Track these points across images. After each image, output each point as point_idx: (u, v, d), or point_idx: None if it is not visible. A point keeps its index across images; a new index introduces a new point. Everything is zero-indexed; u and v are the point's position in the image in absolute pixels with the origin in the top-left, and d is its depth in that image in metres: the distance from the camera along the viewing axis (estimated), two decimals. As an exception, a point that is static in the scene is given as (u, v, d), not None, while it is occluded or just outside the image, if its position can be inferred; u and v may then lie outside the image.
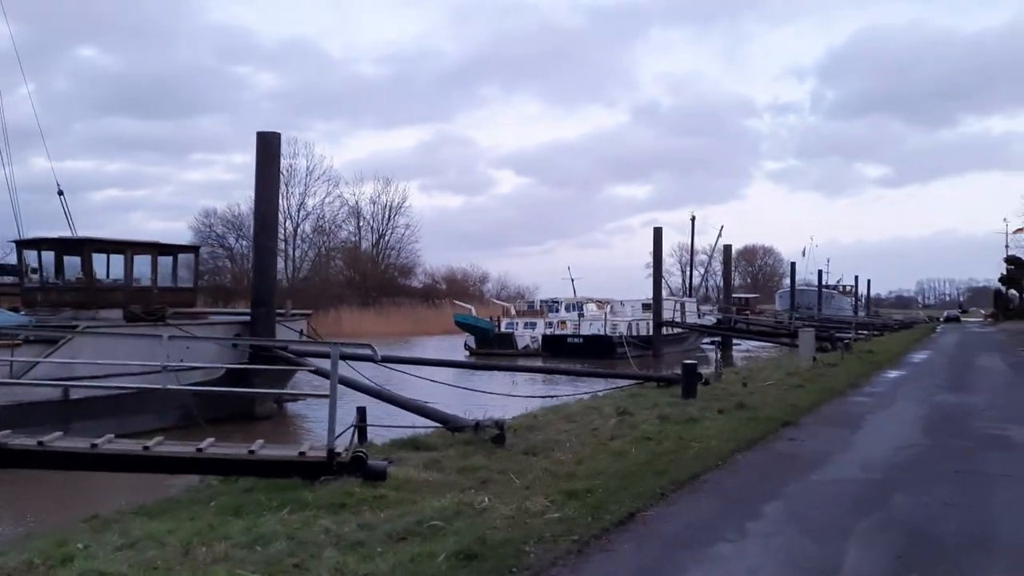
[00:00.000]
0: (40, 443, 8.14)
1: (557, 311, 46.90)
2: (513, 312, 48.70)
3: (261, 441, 8.83)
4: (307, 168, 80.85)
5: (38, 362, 14.65)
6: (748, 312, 70.77)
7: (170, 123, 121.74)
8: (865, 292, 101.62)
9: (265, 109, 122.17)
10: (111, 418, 15.17)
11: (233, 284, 70.98)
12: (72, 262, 18.90)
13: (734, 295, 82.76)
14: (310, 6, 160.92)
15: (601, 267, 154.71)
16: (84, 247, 17.81)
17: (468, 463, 9.46)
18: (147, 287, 18.42)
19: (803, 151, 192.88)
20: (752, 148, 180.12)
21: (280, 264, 78.61)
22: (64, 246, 18.18)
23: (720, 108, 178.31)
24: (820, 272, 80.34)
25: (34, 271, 18.62)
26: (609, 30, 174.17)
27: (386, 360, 20.16)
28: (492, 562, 5.76)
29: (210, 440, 8.63)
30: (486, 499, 7.51)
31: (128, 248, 18.01)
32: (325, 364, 17.51)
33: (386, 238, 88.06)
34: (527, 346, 43.69)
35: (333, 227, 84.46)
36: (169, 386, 9.40)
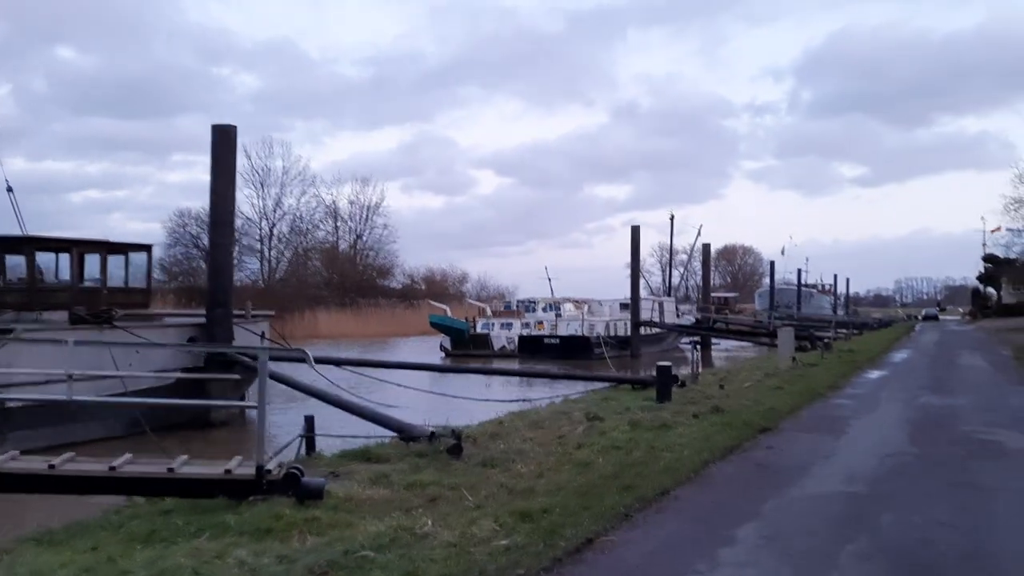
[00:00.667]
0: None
1: (534, 311, 46.12)
2: (489, 312, 47.84)
3: (184, 456, 7.98)
4: (283, 168, 79.71)
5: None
6: (727, 311, 70.31)
7: (150, 124, 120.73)
8: (844, 291, 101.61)
9: (246, 110, 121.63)
10: (50, 428, 14.25)
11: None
12: (17, 262, 17.91)
13: (714, 294, 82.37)
14: (289, 6, 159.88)
15: (582, 267, 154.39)
16: (26, 246, 16.83)
17: (418, 478, 8.65)
18: (96, 288, 17.45)
19: (781, 151, 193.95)
20: (731, 148, 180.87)
21: (255, 265, 77.53)
22: (6, 245, 17.18)
23: (698, 108, 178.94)
24: (799, 271, 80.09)
25: (-25, 271, 17.63)
26: (587, 31, 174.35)
27: (343, 363, 19.35)
28: (419, 605, 4.97)
29: (127, 456, 7.76)
30: (429, 522, 6.72)
31: (74, 246, 17.04)
32: (287, 369, 16.74)
33: (364, 238, 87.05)
34: (503, 347, 42.87)
35: (310, 227, 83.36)
36: (75, 398, 8.46)
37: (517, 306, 48.22)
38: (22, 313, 16.44)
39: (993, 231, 77.79)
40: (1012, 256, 63.04)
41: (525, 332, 42.87)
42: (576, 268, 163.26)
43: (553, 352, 39.86)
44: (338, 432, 15.01)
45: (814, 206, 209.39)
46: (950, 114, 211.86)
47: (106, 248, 17.65)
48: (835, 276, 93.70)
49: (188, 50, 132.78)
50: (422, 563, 5.59)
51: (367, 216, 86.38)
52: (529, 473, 9.01)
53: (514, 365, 33.68)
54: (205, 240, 74.84)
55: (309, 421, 10.89)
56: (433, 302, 56.10)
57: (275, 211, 79.28)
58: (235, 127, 17.69)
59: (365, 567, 5.55)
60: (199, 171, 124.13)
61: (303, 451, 10.73)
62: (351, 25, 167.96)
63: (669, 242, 73.07)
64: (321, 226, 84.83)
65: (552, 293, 51.01)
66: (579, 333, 41.29)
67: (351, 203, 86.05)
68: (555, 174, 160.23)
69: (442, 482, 8.47)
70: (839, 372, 22.09)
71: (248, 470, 7.54)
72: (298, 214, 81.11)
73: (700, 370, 24.77)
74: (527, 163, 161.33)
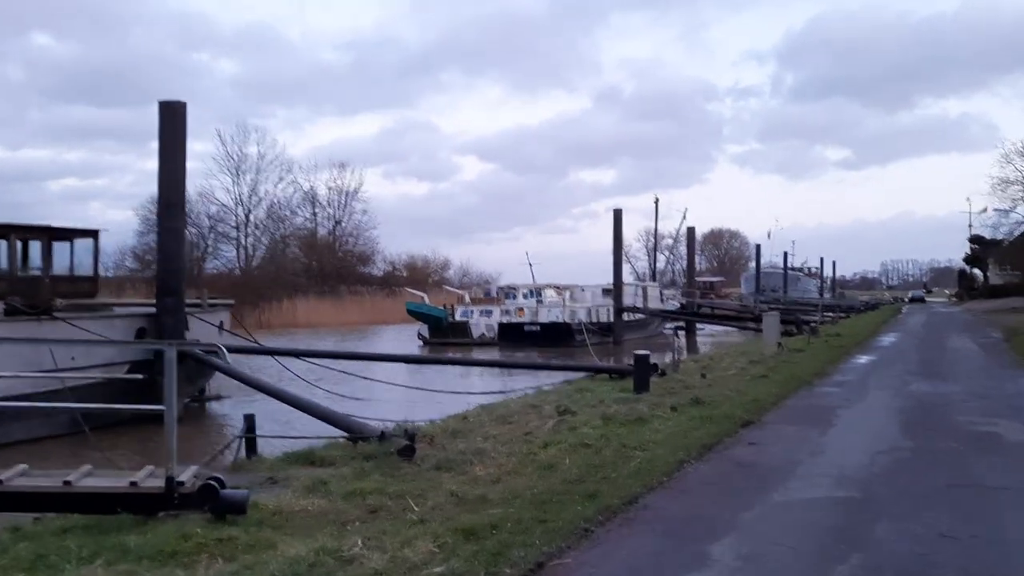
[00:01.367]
0: None
1: (514, 298, 45.17)
2: (467, 299, 46.85)
3: (88, 467, 7.04)
4: (259, 153, 78.24)
5: None
6: (713, 296, 69.66)
7: (128, 111, 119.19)
8: (830, 274, 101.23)
9: (225, 96, 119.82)
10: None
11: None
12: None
13: (699, 279, 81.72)
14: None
15: (568, 253, 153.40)
16: (-42, 232, 15.77)
17: (361, 485, 7.75)
18: (37, 276, 16.40)
19: (765, 135, 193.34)
20: (715, 132, 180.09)
21: (231, 253, 76.21)
22: (-64, 231, 16.10)
23: (682, 93, 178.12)
24: (785, 254, 79.49)
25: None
26: (569, 15, 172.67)
27: (304, 355, 18.43)
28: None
29: (20, 467, 6.81)
30: (359, 542, 5.82)
31: (12, 232, 15.96)
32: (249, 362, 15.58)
33: (343, 224, 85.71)
34: (483, 334, 41.93)
35: (288, 214, 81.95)
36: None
37: (497, 293, 47.28)
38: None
39: (980, 212, 77.43)
40: (999, 237, 62.60)
41: (505, 319, 41.94)
42: (562, 254, 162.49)
43: (534, 339, 38.99)
44: (296, 431, 14.17)
45: (799, 190, 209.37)
46: (931, 97, 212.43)
47: (49, 234, 16.59)
48: (821, 259, 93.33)
49: (166, 36, 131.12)
50: (336, 600, 4.69)
51: (346, 202, 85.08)
52: (486, 477, 8.14)
53: (487, 355, 32.76)
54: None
55: (249, 420, 9.97)
56: (410, 289, 55.04)
57: (251, 197, 77.87)
58: (184, 103, 16.64)
59: (266, 605, 4.65)
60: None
61: (243, 453, 9.83)
62: (331, 10, 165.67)
63: (654, 226, 72.15)
64: (299, 212, 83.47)
65: (533, 279, 50.05)
66: (560, 320, 40.42)
67: (329, 189, 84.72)
68: (539, 159, 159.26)
69: (386, 490, 7.58)
70: (826, 358, 21.32)
71: (158, 482, 6.62)
72: (275, 200, 79.74)
73: (681, 358, 24.00)
74: (511, 149, 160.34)
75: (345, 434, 10.18)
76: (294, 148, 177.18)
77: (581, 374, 18.42)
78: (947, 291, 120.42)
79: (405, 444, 9.01)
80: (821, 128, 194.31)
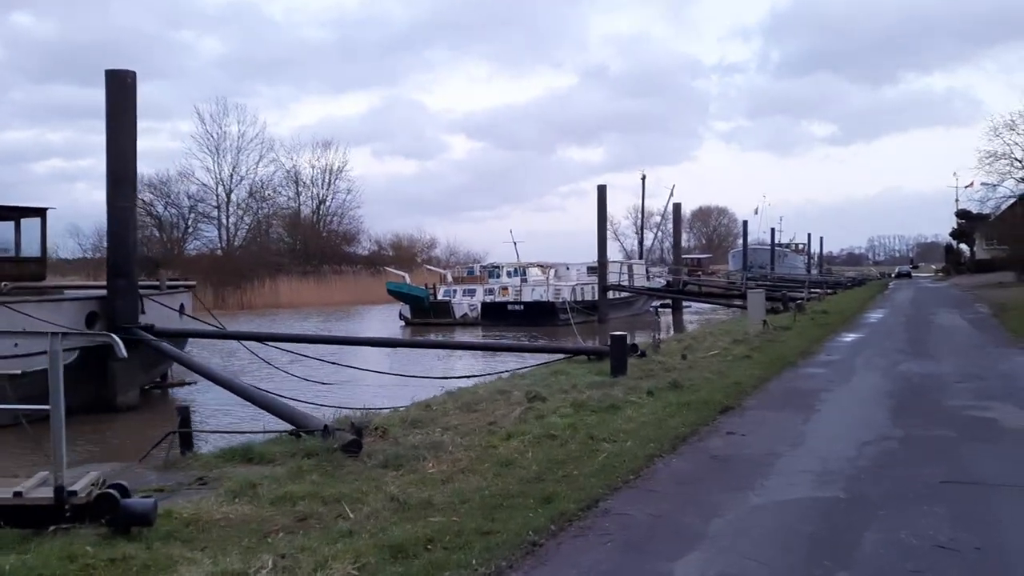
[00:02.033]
0: None
1: (498, 277, 44.33)
2: (449, 279, 45.99)
3: (-26, 475, 6.22)
4: (239, 132, 76.82)
5: None
6: (700, 273, 69.01)
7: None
8: (818, 250, 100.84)
9: (211, 75, 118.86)
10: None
11: (162, 255, 67.12)
12: None
13: (686, 256, 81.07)
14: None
15: (556, 231, 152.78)
16: None
17: (293, 488, 6.96)
18: (-23, 258, 15.51)
19: (752, 111, 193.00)
20: (702, 109, 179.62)
21: (213, 233, 75.00)
22: None
23: (668, 69, 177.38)
24: (773, 231, 78.93)
25: None
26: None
27: (266, 339, 17.58)
28: None
29: None
30: (271, 563, 5.05)
31: (-50, 212, 15.06)
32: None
33: (327, 203, 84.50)
34: (465, 314, 41.12)
35: (271, 193, 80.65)
36: None
37: (480, 272, 46.43)
38: None
39: (967, 186, 76.89)
40: (986, 211, 61.92)
41: (488, 299, 41.14)
42: (550, 232, 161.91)
43: (517, 319, 38.23)
44: (250, 422, 13.39)
45: (786, 166, 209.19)
46: (916, 71, 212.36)
47: (-9, 213, 15.67)
48: (808, 235, 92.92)
49: (148, 14, 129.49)
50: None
51: (330, 181, 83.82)
52: (437, 476, 7.37)
53: (470, 335, 32.03)
54: (159, 207, 72.48)
55: (183, 413, 9.15)
56: (390, 269, 54.13)
57: (232, 177, 76.53)
58: (133, 73, 15.63)
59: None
60: (164, 138, 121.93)
61: (176, 449, 9.02)
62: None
63: (641, 204, 71.32)
64: (282, 192, 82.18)
65: (518, 257, 49.21)
66: (544, 299, 39.65)
67: (313, 167, 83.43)
68: (527, 137, 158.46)
69: (322, 493, 6.81)
70: (812, 336, 20.63)
71: (47, 492, 5.81)
72: (257, 180, 78.42)
73: (662, 337, 23.31)
74: (498, 126, 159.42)
75: (290, 427, 9.38)
76: (280, 127, 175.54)
77: (556, 356, 17.60)
78: (933, 266, 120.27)
79: (350, 439, 8.23)
80: (807, 104, 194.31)
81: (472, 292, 42.30)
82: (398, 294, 43.77)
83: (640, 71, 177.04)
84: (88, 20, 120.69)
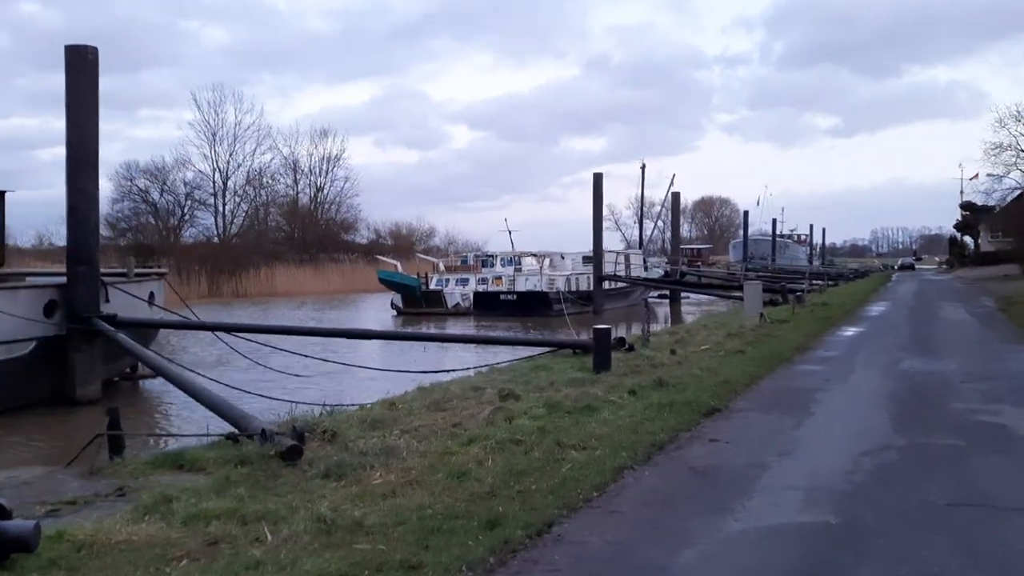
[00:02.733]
0: None
1: (492, 266, 43.47)
2: (442, 268, 45.11)
3: None
4: (236, 119, 75.87)
5: None
6: (700, 263, 68.09)
7: (116, 79, 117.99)
8: (820, 241, 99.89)
9: (215, 64, 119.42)
10: None
11: (158, 242, 66.34)
12: None
13: (687, 246, 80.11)
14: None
15: (558, 221, 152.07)
16: None
17: (213, 504, 6.14)
18: (-70, 243, 14.70)
19: (754, 102, 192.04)
20: (704, 100, 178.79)
21: (209, 220, 74.15)
22: None
23: (671, 60, 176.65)
24: (774, 221, 77.96)
25: None
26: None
27: (240, 330, 16.80)
28: None
29: None
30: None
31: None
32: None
33: (324, 191, 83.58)
34: (457, 304, 40.28)
35: (269, 180, 79.74)
36: None
37: (474, 261, 45.57)
38: None
39: (972, 178, 75.93)
40: (991, 203, 60.97)
41: (481, 288, 40.29)
42: (552, 222, 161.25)
43: (510, 309, 37.41)
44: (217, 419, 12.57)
45: (789, 157, 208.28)
46: (920, 64, 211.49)
47: (-56, 197, 14.84)
48: (811, 227, 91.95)
49: (153, 3, 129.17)
50: None
51: (328, 169, 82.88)
52: (380, 489, 6.56)
53: (461, 325, 31.21)
54: (155, 194, 71.56)
55: (112, 414, 8.34)
56: (382, 257, 53.29)
57: (228, 163, 75.61)
58: (95, 49, 14.78)
59: None
60: (168, 127, 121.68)
61: (105, 453, 8.22)
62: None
63: (640, 193, 70.29)
64: (279, 179, 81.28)
65: (512, 246, 48.31)
66: (538, 288, 38.79)
67: (310, 155, 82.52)
68: (529, 127, 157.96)
69: (244, 510, 5.99)
70: (810, 330, 19.78)
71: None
72: (254, 167, 77.51)
73: (654, 329, 22.48)
74: (501, 117, 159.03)
75: (234, 429, 8.57)
76: (283, 116, 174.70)
77: (540, 350, 16.78)
78: (937, 258, 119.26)
79: (289, 445, 7.41)
80: (810, 96, 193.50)
81: (465, 281, 41.46)
82: (389, 283, 42.94)
83: (643, 62, 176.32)
84: (93, 8, 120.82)
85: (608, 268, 42.17)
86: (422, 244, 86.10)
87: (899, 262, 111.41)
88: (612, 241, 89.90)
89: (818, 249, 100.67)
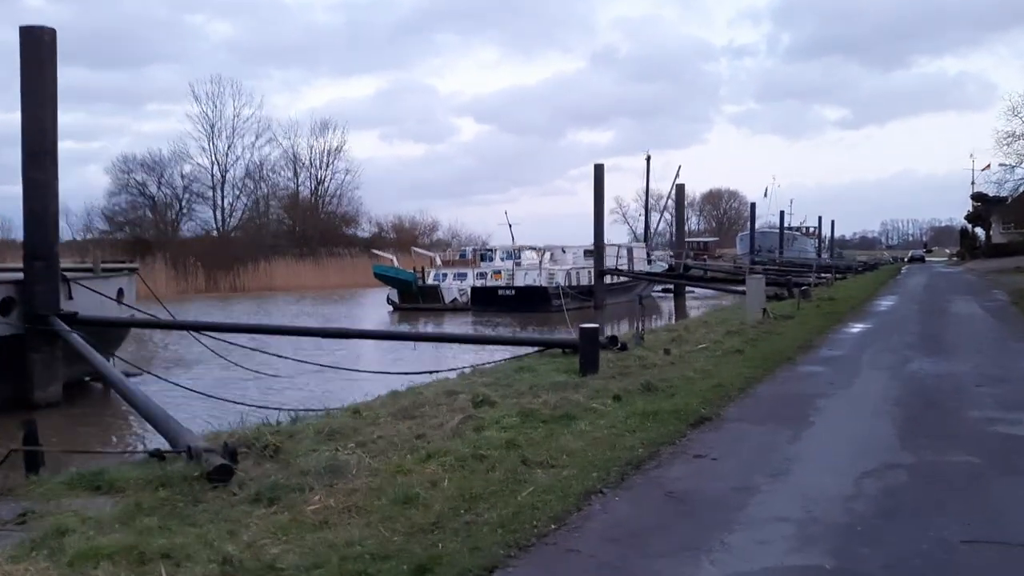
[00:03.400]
0: None
1: (491, 260, 42.57)
2: (439, 262, 44.22)
3: None
4: (235, 111, 75.11)
5: None
6: (706, 257, 67.06)
7: (123, 73, 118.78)
8: (829, 234, 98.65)
9: (221, 59, 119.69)
10: None
11: (156, 236, 65.69)
12: None
13: (693, 239, 79.09)
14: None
15: (566, 214, 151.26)
16: None
17: (108, 539, 5.29)
18: None
19: (762, 95, 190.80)
20: (711, 92, 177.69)
21: (208, 214, 73.46)
22: None
23: (677, 53, 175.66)
24: (782, 213, 76.85)
25: None
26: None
27: (208, 328, 16.00)
28: None
29: None
30: None
31: None
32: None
33: (325, 184, 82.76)
34: (455, 299, 39.38)
35: (270, 173, 78.99)
36: None
37: (472, 255, 44.66)
38: None
39: (984, 168, 74.73)
40: (1003, 194, 59.74)
41: (479, 283, 39.40)
42: (560, 215, 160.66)
43: (508, 304, 36.52)
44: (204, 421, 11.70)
45: (797, 150, 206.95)
46: (928, 56, 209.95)
47: None
48: (819, 219, 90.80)
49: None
50: None
51: (329, 161, 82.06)
52: (312, 518, 5.74)
53: (459, 320, 30.34)
54: (152, 188, 70.87)
55: (29, 428, 7.50)
56: (377, 251, 52.47)
57: (227, 156, 74.86)
58: (52, 30, 13.94)
59: None
60: (174, 121, 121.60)
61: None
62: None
63: (646, 185, 69.26)
64: (279, 172, 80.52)
65: (513, 240, 47.41)
66: (537, 283, 37.87)
67: (311, 147, 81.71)
68: (536, 121, 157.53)
69: (146, 546, 5.16)
70: (815, 327, 18.86)
71: None
72: (254, 160, 76.75)
73: (651, 327, 21.63)
74: (507, 110, 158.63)
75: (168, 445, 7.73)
76: (290, 111, 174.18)
77: (528, 349, 15.90)
78: (947, 250, 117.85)
79: (217, 465, 6.57)
80: (818, 88, 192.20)
81: (463, 276, 40.58)
82: (384, 278, 42.10)
83: (649, 54, 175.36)
84: (101, 3, 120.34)
85: (610, 262, 41.22)
86: (425, 238, 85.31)
87: (909, 254, 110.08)
88: (620, 234, 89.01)
89: (827, 241, 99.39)
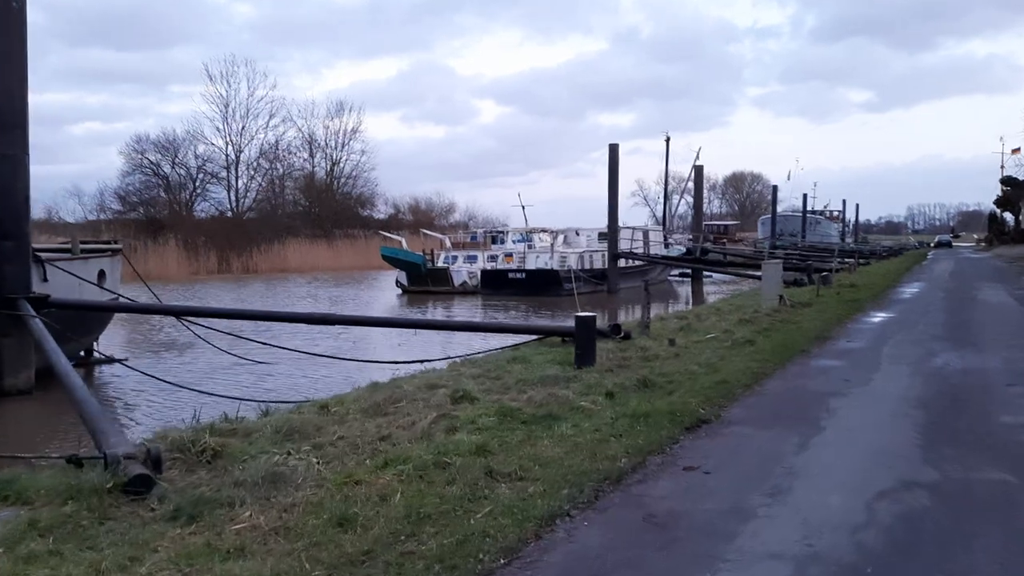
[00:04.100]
0: None
1: (503, 242, 41.64)
2: (448, 244, 43.34)
3: None
4: (249, 91, 74.45)
5: None
6: (726, 240, 65.72)
7: (147, 55, 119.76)
8: (853, 218, 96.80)
9: (243, 40, 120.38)
10: None
11: (168, 216, 65.31)
12: None
13: (713, 222, 77.70)
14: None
15: (587, 196, 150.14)
16: None
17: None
18: None
19: (786, 76, 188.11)
20: (735, 74, 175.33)
21: (222, 194, 73.02)
22: None
23: (700, 34, 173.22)
24: (805, 196, 75.21)
25: None
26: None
27: (187, 313, 15.24)
28: None
29: None
30: None
31: None
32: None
33: (341, 165, 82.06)
34: (464, 282, 38.53)
35: (286, 154, 78.36)
36: None
37: (483, 237, 43.74)
38: None
39: (1013, 152, 72.81)
40: (1034, 178, 57.92)
41: (489, 265, 38.51)
42: (580, 197, 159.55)
43: (518, 288, 35.62)
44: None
45: (822, 132, 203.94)
46: (955, 37, 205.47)
47: None
48: (843, 202, 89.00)
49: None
50: None
51: (344, 142, 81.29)
52: (233, 540, 4.96)
53: (468, 304, 29.50)
54: (166, 168, 70.45)
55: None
56: (386, 233, 51.68)
57: (241, 136, 74.27)
58: (21, -1, 13.17)
59: None
60: (197, 101, 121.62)
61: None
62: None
63: (664, 167, 67.90)
64: (296, 153, 79.90)
65: (526, 222, 46.47)
66: (548, 266, 36.92)
67: (326, 128, 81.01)
68: (557, 103, 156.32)
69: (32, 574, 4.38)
70: (834, 315, 17.84)
71: None
72: (268, 140, 76.14)
73: (667, 311, 20.70)
74: (528, 92, 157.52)
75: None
76: (312, 91, 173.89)
77: (528, 337, 15.02)
78: (975, 236, 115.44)
79: (135, 475, 5.76)
80: (843, 70, 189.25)
81: (473, 259, 39.70)
82: (393, 260, 41.32)
83: (672, 35, 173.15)
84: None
85: (625, 245, 40.16)
86: (442, 220, 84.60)
87: (936, 239, 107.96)
88: (641, 217, 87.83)
89: (851, 226, 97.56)
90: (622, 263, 38.90)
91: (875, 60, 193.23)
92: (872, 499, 5.48)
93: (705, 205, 78.30)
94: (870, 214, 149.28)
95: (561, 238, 41.69)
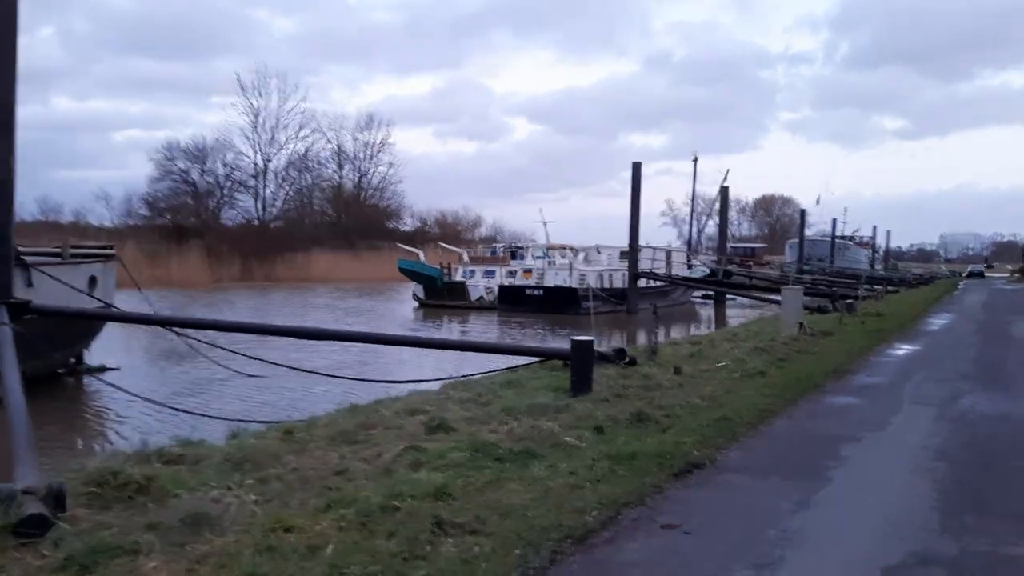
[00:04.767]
0: None
1: (523, 258, 40.91)
2: (466, 258, 42.69)
3: None
4: (279, 102, 74.65)
5: None
6: (752, 264, 64.48)
7: (189, 65, 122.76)
8: (884, 244, 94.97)
9: (282, 54, 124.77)
10: None
11: (195, 223, 65.37)
12: None
13: (740, 244, 76.42)
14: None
15: (616, 215, 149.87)
16: None
17: None
18: None
19: (819, 102, 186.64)
20: (767, 99, 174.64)
21: (249, 202, 73.06)
22: None
23: (734, 58, 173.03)
24: (834, 221, 73.79)
25: None
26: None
27: (188, 325, 14.66)
28: None
29: None
30: None
31: None
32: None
33: (368, 177, 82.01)
34: (481, 297, 37.83)
35: (315, 164, 78.43)
36: None
37: (503, 252, 43.05)
38: None
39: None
40: (1074, 208, 56.28)
41: (508, 281, 37.78)
42: (611, 216, 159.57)
43: (535, 305, 34.86)
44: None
45: (855, 159, 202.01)
46: (991, 67, 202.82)
47: None
48: (874, 228, 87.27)
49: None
50: None
51: (372, 154, 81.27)
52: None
53: (483, 320, 28.74)
54: (194, 174, 70.57)
55: None
56: (403, 245, 51.21)
57: (270, 145, 74.40)
58: (11, -5, 12.67)
59: None
60: (237, 113, 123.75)
61: None
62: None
63: (692, 188, 66.96)
64: (323, 164, 79.97)
65: (547, 238, 45.73)
66: (567, 284, 36.10)
67: (354, 139, 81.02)
68: (589, 122, 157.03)
69: None
70: (855, 346, 16.88)
71: None
72: (297, 150, 76.23)
73: (688, 334, 19.85)
74: (561, 111, 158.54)
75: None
76: (348, 106, 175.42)
77: (527, 359, 14.26)
78: (1009, 267, 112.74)
79: (28, 515, 5.06)
80: (877, 97, 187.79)
81: (492, 274, 39.02)
82: (409, 273, 40.77)
83: (705, 59, 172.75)
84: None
85: (646, 265, 39.25)
86: (468, 234, 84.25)
87: (968, 269, 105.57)
88: (670, 237, 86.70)
89: (882, 252, 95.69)
90: (643, 283, 38.00)
91: (910, 88, 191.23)
92: (877, 578, 4.65)
93: (735, 227, 77.41)
94: (902, 241, 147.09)
95: (582, 255, 40.89)
